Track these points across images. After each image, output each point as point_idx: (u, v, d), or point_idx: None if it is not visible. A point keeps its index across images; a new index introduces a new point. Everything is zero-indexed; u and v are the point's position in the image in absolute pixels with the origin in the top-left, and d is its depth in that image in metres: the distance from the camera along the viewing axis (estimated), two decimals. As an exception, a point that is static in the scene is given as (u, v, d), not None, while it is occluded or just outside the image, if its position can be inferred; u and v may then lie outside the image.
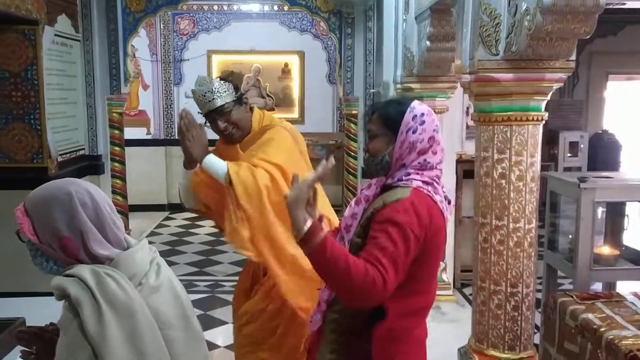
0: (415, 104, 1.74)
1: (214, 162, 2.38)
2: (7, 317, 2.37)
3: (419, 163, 1.69)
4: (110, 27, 5.23)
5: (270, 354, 2.58)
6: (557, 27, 2.31)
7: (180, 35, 8.05)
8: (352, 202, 1.80)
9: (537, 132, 2.79)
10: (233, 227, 2.35)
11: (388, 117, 1.73)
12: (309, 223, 1.48)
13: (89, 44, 5.11)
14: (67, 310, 1.25)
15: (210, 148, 2.50)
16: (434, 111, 4.74)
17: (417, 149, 1.68)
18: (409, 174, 1.68)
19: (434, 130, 1.71)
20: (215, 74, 8.05)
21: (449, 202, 1.73)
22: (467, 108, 5.10)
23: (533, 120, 2.74)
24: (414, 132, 1.68)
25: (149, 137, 8.11)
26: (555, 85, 2.72)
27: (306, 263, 1.72)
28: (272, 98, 8.18)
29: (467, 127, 5.15)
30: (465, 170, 4.92)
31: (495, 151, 2.76)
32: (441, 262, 4.71)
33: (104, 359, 1.17)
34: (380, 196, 1.71)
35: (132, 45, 5.52)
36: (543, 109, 2.78)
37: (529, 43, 2.44)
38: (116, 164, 5.45)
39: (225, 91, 2.43)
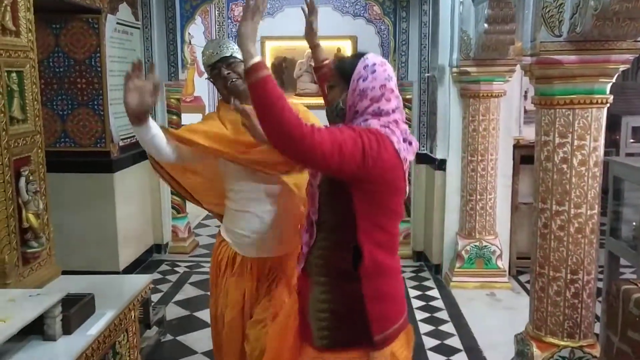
0: (370, 55, 1.84)
1: None
2: (78, 292, 2.48)
3: (373, 110, 1.77)
4: (168, 15, 5.33)
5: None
6: (625, 6, 2.22)
7: (235, 21, 8.11)
8: None
9: (601, 116, 2.72)
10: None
11: (342, 67, 1.84)
12: (258, 58, 1.64)
13: (148, 32, 5.23)
14: None
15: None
16: (491, 95, 4.67)
17: (368, 96, 1.77)
18: (366, 120, 1.77)
19: (385, 79, 1.79)
20: (268, 60, 8.11)
21: (410, 144, 1.80)
22: (526, 92, 4.98)
23: (597, 103, 2.67)
24: (364, 80, 1.77)
25: (204, 122, 8.26)
26: (622, 67, 2.64)
27: None
28: (324, 83, 8.18)
29: (525, 111, 5.03)
30: (523, 155, 4.82)
31: (556, 135, 2.70)
32: (496, 249, 4.66)
33: None
34: None
35: (188, 32, 5.62)
36: (608, 91, 2.70)
37: (595, 23, 2.36)
38: (174, 149, 5.58)
39: (235, 48, 2.38)
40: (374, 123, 1.75)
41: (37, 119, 2.95)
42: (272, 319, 2.29)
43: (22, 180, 2.78)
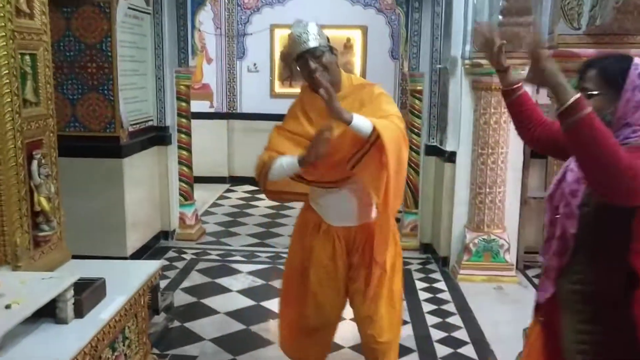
0: (638, 60, 1.67)
1: (361, 122, 2.31)
2: (89, 276, 2.49)
3: None
4: (179, 1, 5.30)
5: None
6: (648, -1, 2.20)
7: (245, 9, 8.10)
8: (572, 166, 1.75)
9: (618, 110, 2.69)
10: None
11: (609, 74, 1.67)
12: (577, 94, 1.46)
13: (159, 17, 5.19)
14: None
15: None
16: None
17: None
18: (636, 131, 1.61)
19: None
20: (277, 48, 8.08)
21: None
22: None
23: (614, 97, 2.64)
24: None
25: (212, 110, 8.25)
26: (640, 62, 2.61)
27: None
28: (333, 73, 8.15)
29: (537, 104, 5.00)
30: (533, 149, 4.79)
31: (572, 129, 2.68)
32: (504, 243, 4.65)
33: None
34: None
35: (198, 19, 5.58)
36: (625, 86, 2.67)
37: (615, 17, 2.34)
38: (182, 136, 5.57)
39: (320, 35, 2.45)
40: None
41: (49, 102, 2.93)
42: (366, 286, 2.56)
43: (35, 164, 2.77)
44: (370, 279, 2.55)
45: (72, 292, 2.27)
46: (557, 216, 1.77)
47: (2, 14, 2.50)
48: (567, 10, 2.58)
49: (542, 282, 1.85)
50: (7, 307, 2.03)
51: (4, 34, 2.53)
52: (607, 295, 1.65)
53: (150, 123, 5.23)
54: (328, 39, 2.51)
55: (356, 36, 8.08)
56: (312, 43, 2.41)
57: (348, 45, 8.12)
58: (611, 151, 1.44)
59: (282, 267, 4.89)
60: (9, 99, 2.59)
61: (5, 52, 2.55)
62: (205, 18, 7.39)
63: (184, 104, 5.53)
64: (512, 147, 4.64)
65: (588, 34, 2.55)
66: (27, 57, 2.77)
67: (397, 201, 2.48)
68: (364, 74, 8.11)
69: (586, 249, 1.69)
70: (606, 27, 2.45)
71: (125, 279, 2.75)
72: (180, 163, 5.60)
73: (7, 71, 2.57)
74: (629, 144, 1.61)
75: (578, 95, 1.45)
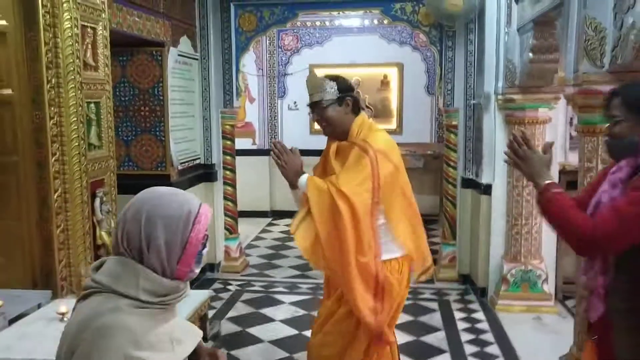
0: None
1: (302, 183, 2.62)
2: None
3: None
4: (224, 46, 5.63)
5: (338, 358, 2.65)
6: (664, 40, 2.33)
7: (285, 50, 8.45)
8: (606, 186, 1.92)
9: (644, 143, 2.80)
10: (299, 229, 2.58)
11: (631, 101, 1.82)
12: (549, 179, 1.94)
13: (206, 62, 5.53)
14: None
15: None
16: (536, 122, 4.72)
17: None
18: None
19: None
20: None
21: None
22: (571, 119, 5.04)
23: (639, 131, 2.75)
24: None
25: (254, 147, 8.56)
26: (663, 97, 2.72)
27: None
28: (371, 109, 8.38)
29: (571, 137, 5.08)
30: (569, 181, 4.85)
31: (599, 162, 2.79)
32: (541, 273, 4.69)
33: None
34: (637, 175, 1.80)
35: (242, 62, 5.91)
36: (650, 120, 2.78)
37: (636, 55, 2.47)
38: (228, 172, 5.84)
39: (325, 89, 2.61)
40: None
41: (110, 145, 3.23)
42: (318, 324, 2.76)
43: (97, 201, 3.05)
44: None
45: (133, 317, 2.48)
46: None
47: (72, 68, 2.82)
48: (590, 50, 2.73)
49: (590, 301, 1.93)
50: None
51: (73, 85, 2.84)
52: None
53: (197, 161, 5.53)
54: (339, 89, 2.62)
55: (392, 73, 8.31)
56: (316, 97, 2.63)
57: (385, 82, 8.36)
58: (573, 225, 1.82)
59: (322, 298, 5.06)
60: (76, 143, 2.89)
61: (74, 102, 2.86)
62: (247, 60, 7.73)
63: (229, 142, 5.82)
64: (547, 179, 4.71)
65: (611, 72, 2.68)
66: (92, 105, 3.08)
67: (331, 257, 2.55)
68: (400, 109, 8.32)
69: (625, 266, 1.79)
70: (627, 65, 2.57)
71: (179, 306, 2.96)
72: (225, 198, 5.86)
73: (75, 118, 2.88)
74: None
75: (550, 179, 1.94)
